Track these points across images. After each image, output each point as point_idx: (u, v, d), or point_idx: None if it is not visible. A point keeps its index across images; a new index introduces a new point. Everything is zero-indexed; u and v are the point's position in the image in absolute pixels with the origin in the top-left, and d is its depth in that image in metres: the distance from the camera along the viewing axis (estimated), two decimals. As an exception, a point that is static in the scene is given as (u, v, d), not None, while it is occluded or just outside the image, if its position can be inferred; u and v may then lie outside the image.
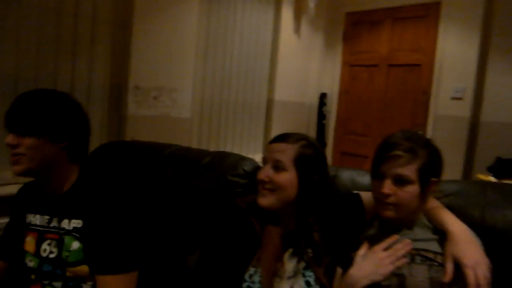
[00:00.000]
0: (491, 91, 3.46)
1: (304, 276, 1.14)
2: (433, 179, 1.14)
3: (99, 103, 2.50)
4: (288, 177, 1.14)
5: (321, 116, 4.38)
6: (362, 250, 1.12)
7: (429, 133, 3.66)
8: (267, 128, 3.79)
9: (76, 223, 1.15)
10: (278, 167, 1.14)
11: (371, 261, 1.07)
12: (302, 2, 3.86)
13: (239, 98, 3.48)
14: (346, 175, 1.46)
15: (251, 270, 1.09)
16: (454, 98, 3.53)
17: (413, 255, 1.09)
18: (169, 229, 1.53)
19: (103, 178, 1.25)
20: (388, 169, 1.10)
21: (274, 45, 3.74)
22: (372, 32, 4.12)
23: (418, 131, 1.16)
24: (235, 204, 1.22)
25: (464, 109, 3.50)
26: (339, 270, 1.21)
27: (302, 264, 1.15)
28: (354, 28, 4.27)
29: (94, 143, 2.28)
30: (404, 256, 1.05)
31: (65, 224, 1.15)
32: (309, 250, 1.17)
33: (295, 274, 1.13)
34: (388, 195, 1.09)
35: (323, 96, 4.38)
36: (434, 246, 1.10)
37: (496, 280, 1.08)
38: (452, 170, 3.36)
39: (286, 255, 1.15)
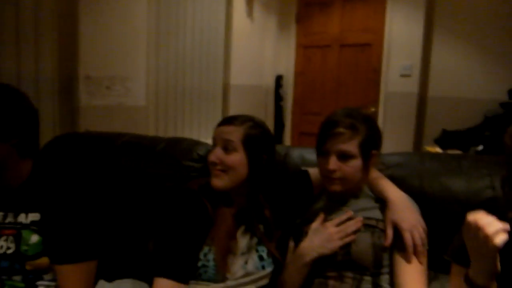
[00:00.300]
0: (436, 68, 3.63)
1: (257, 251, 1.20)
2: (374, 151, 1.21)
3: (49, 95, 2.42)
4: (238, 158, 1.17)
5: (278, 98, 4.44)
6: (316, 224, 1.19)
7: (381, 110, 3.82)
8: (224, 113, 3.81)
9: (34, 216, 1.14)
10: (227, 148, 1.17)
11: (321, 235, 1.15)
12: (253, -15, 3.87)
13: (195, 83, 3.46)
14: (296, 154, 1.52)
15: (205, 249, 1.13)
16: (402, 76, 3.69)
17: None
18: (128, 216, 1.55)
19: (58, 170, 1.24)
20: (332, 146, 1.17)
21: (227, 30, 3.73)
22: (324, 13, 4.19)
23: (370, 108, 1.23)
24: (186, 187, 1.25)
25: (412, 86, 3.67)
26: (291, 244, 1.28)
27: (255, 240, 1.21)
28: (307, 9, 4.32)
29: (47, 136, 2.25)
30: (353, 233, 1.13)
31: (22, 218, 1.14)
32: (261, 226, 1.23)
33: (248, 250, 1.19)
34: (333, 171, 1.16)
35: (279, 78, 4.44)
36: (376, 214, 1.19)
37: (433, 241, 1.18)
38: (403, 143, 3.55)
39: (239, 232, 1.19)
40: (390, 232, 1.13)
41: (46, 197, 1.15)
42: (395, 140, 3.66)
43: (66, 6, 2.44)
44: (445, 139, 3.11)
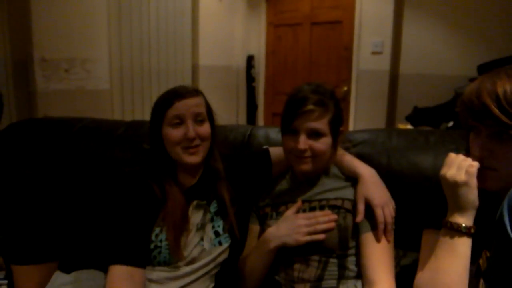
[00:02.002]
0: (407, 45, 3.62)
1: (213, 227, 1.16)
2: (341, 128, 1.18)
3: (3, 80, 2.29)
4: (209, 129, 1.17)
5: (250, 78, 4.37)
6: (289, 211, 1.15)
7: (353, 88, 3.79)
8: (194, 94, 3.70)
9: None
10: (202, 120, 1.15)
11: (290, 225, 1.10)
12: (220, -39, 3.74)
13: (162, 65, 3.34)
14: (261, 133, 1.48)
15: (156, 230, 1.09)
16: (374, 53, 3.66)
17: (323, 206, 1.14)
18: (87, 204, 1.48)
19: (11, 162, 1.15)
20: (301, 124, 1.11)
21: (194, 8, 3.60)
22: (294, -10, 4.10)
23: (344, 86, 1.19)
24: (130, 169, 1.20)
25: (384, 63, 3.65)
26: (254, 227, 1.24)
27: (208, 215, 1.17)
28: (276, -13, 4.22)
29: (3, 123, 2.13)
30: (322, 232, 1.08)
31: None
32: (215, 201, 1.19)
33: (202, 226, 1.15)
34: (304, 150, 1.11)
35: (250, 59, 4.35)
36: (342, 193, 1.15)
37: (401, 219, 1.16)
38: (376, 121, 3.54)
39: (190, 209, 1.15)
40: (361, 207, 1.10)
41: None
42: (368, 118, 3.65)
43: (15, -17, 2.29)
44: (417, 116, 3.12)
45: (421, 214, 1.08)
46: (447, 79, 3.37)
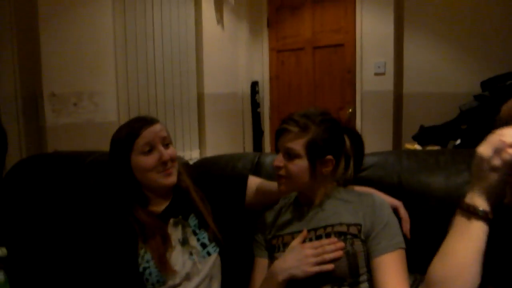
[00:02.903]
0: (409, 64, 3.64)
1: (198, 240, 1.19)
2: (329, 156, 1.15)
3: (13, 115, 2.32)
4: (175, 150, 1.26)
5: (255, 104, 4.39)
6: (295, 241, 1.13)
7: (358, 110, 3.80)
8: (201, 122, 3.73)
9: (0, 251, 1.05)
10: (168, 144, 1.24)
11: (296, 256, 1.08)
12: (221, -8, 3.82)
13: (168, 94, 3.39)
14: (268, 160, 1.48)
15: (141, 252, 1.13)
16: (377, 74, 3.69)
17: (329, 233, 1.12)
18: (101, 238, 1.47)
19: (22, 199, 1.15)
20: (280, 143, 1.15)
21: (198, 38, 3.67)
22: (295, 16, 4.18)
23: (349, 108, 1.22)
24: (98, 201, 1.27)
25: (387, 84, 3.67)
26: (261, 261, 1.22)
27: (189, 229, 1.20)
28: (277, 13, 4.30)
29: (12, 159, 2.15)
30: (330, 262, 1.06)
31: None
32: (192, 215, 1.23)
33: (185, 241, 1.18)
34: (278, 167, 1.13)
35: (254, 85, 4.40)
36: (348, 218, 1.13)
37: (415, 241, 1.16)
38: (382, 142, 3.53)
39: (169, 227, 1.19)
40: (405, 214, 1.19)
41: (11, 231, 1.06)
42: (374, 139, 3.64)
43: (25, 20, 2.35)
44: (423, 135, 3.11)
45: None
46: (451, 96, 3.37)
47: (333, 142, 1.16)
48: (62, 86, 2.47)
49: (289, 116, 1.16)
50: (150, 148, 1.18)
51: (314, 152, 1.12)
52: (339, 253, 1.06)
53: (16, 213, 1.13)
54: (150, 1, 3.20)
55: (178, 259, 1.15)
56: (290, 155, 1.13)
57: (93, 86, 2.66)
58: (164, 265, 1.10)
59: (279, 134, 1.16)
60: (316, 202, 1.18)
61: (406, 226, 1.18)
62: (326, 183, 1.19)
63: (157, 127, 1.21)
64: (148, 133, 1.18)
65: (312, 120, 1.14)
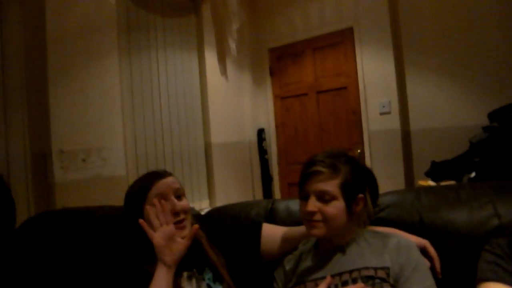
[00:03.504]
0: (414, 101, 3.64)
1: None
2: (360, 195, 1.13)
3: (22, 173, 2.32)
4: (188, 203, 1.25)
5: (262, 151, 4.39)
6: (322, 286, 1.06)
7: (366, 150, 3.77)
8: (209, 172, 3.72)
9: None
10: (181, 196, 1.23)
11: None
12: (223, 44, 3.93)
13: (175, 146, 3.40)
14: (282, 206, 1.44)
15: None
16: (382, 113, 3.69)
17: (355, 278, 1.05)
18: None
19: (31, 258, 1.11)
20: (311, 186, 1.10)
21: (202, 90, 3.74)
22: (296, 63, 4.27)
23: (357, 149, 1.19)
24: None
25: (393, 122, 3.66)
26: None
27: (203, 284, 1.15)
28: (279, 62, 4.40)
29: (21, 216, 2.12)
30: None
31: None
32: (207, 269, 1.19)
33: None
34: (313, 213, 1.08)
35: (261, 132, 4.42)
36: (375, 261, 1.07)
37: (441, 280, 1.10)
38: (394, 181, 3.47)
39: (183, 281, 1.14)
40: (435, 253, 1.13)
41: None
42: (385, 179, 3.58)
43: (34, 79, 2.42)
44: (436, 170, 3.05)
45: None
46: (459, 130, 3.34)
47: (361, 180, 1.15)
48: (70, 143, 2.49)
49: (314, 159, 1.13)
50: (162, 199, 1.17)
51: (348, 192, 1.10)
52: None
53: (26, 272, 1.08)
54: (155, 57, 3.29)
55: None
56: (326, 198, 1.09)
57: (101, 141, 2.67)
58: None
59: (307, 177, 1.11)
60: (342, 245, 1.13)
61: (438, 264, 1.13)
62: (357, 225, 1.15)
63: (169, 179, 1.22)
64: (160, 185, 1.19)
65: (339, 160, 1.12)
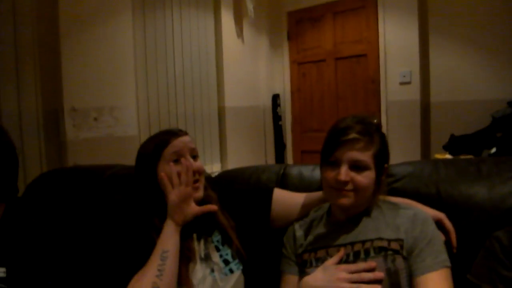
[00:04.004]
0: (436, 72, 3.53)
1: (221, 256, 1.15)
2: (386, 165, 1.10)
3: (34, 130, 2.32)
4: (202, 164, 1.20)
5: (277, 117, 4.33)
6: (330, 261, 1.03)
7: (383, 120, 3.69)
8: (222, 136, 3.69)
9: (1, 271, 0.98)
10: (196, 156, 1.21)
11: (328, 276, 0.99)
12: (240, 5, 3.80)
13: (189, 108, 3.36)
14: (294, 172, 1.40)
15: None
16: (402, 83, 3.57)
17: (368, 249, 1.02)
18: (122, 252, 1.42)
19: (28, 216, 1.10)
20: (343, 154, 1.03)
21: (218, 52, 3.65)
22: (315, 28, 4.12)
23: (374, 119, 1.12)
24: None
25: (413, 93, 3.54)
26: (291, 277, 1.13)
27: (212, 245, 1.15)
28: (297, 26, 4.26)
29: (33, 173, 2.14)
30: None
31: None
32: (216, 232, 1.18)
33: (207, 257, 1.13)
34: (346, 182, 1.02)
35: (275, 97, 4.34)
36: (388, 233, 1.03)
37: (458, 258, 1.06)
38: (410, 153, 3.40)
39: (194, 241, 1.14)
40: (451, 226, 1.10)
41: (11, 248, 1.00)
42: (401, 150, 3.50)
43: (47, 37, 2.37)
44: (455, 144, 2.97)
45: (474, 261, 0.98)
46: (482, 104, 3.24)
47: (387, 149, 1.11)
48: (82, 101, 2.47)
49: (347, 124, 1.06)
50: (178, 158, 1.15)
51: (379, 162, 1.06)
52: (377, 287, 0.95)
53: (36, 226, 1.08)
54: (170, 16, 3.20)
55: (198, 275, 1.09)
56: (360, 167, 1.03)
57: (114, 100, 2.65)
58: (182, 281, 1.06)
59: (340, 144, 1.04)
60: (357, 214, 1.09)
61: (454, 238, 1.09)
62: (377, 195, 1.11)
63: (186, 138, 1.20)
64: (177, 142, 1.17)
65: (371, 129, 1.06)
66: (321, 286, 0.98)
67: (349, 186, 1.03)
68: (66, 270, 1.07)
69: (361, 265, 0.98)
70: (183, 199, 1.08)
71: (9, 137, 1.08)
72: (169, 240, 1.06)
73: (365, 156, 1.03)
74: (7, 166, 1.06)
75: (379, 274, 0.96)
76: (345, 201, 1.04)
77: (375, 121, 1.11)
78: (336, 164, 1.04)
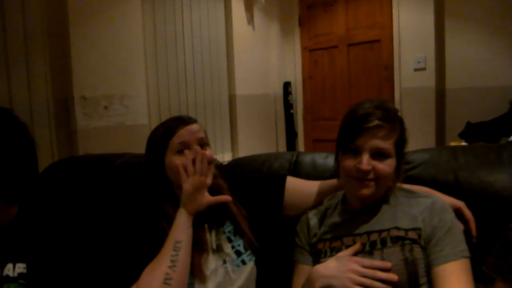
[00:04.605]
0: (452, 58, 3.43)
1: (233, 247, 1.13)
2: (405, 153, 1.06)
3: (45, 119, 2.32)
4: (212, 153, 1.17)
5: (288, 105, 4.28)
6: (346, 252, 0.99)
7: (398, 107, 3.59)
8: (232, 125, 3.66)
9: (21, 267, 0.96)
10: (205, 144, 1.16)
11: (340, 266, 0.95)
12: (251, -9, 3.75)
13: (199, 97, 3.33)
14: (307, 159, 1.37)
15: None
16: (417, 69, 3.49)
17: (384, 238, 0.98)
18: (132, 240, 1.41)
19: (45, 209, 1.08)
20: (366, 142, 0.99)
21: (228, 39, 3.60)
22: (327, 13, 4.04)
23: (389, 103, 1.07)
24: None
25: (428, 79, 3.46)
26: (304, 267, 1.10)
27: (223, 236, 1.13)
28: (309, 11, 4.18)
29: (44, 162, 2.13)
30: None
31: (9, 270, 0.95)
32: (227, 221, 1.16)
33: (219, 248, 1.11)
34: (368, 171, 0.98)
35: (287, 85, 4.28)
36: (406, 222, 0.99)
37: (477, 248, 1.02)
38: (425, 140, 3.33)
39: (205, 232, 1.12)
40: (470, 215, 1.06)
41: (31, 244, 0.98)
42: (415, 139, 3.42)
43: (56, 25, 2.36)
44: (471, 132, 2.89)
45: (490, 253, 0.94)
46: (499, 90, 3.15)
47: (405, 137, 1.06)
48: (92, 90, 2.46)
49: (367, 111, 1.00)
50: (184, 148, 1.12)
51: (400, 150, 1.03)
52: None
53: (51, 219, 1.07)
54: (179, 2, 3.16)
55: (210, 266, 1.07)
56: (382, 155, 1.00)
57: (124, 89, 2.63)
58: (195, 271, 1.04)
59: (361, 131, 0.99)
60: (373, 202, 1.05)
61: (474, 227, 1.05)
62: (395, 183, 1.07)
63: (194, 127, 1.16)
64: (184, 132, 1.13)
65: (392, 114, 1.02)
66: (331, 275, 0.95)
67: (371, 175, 0.99)
68: (82, 262, 1.05)
69: (376, 262, 0.95)
70: (197, 188, 1.06)
71: (30, 134, 1.04)
72: (182, 230, 1.03)
73: (388, 144, 0.99)
74: (28, 165, 1.01)
75: (393, 276, 0.91)
76: (366, 191, 1.00)
77: (392, 106, 1.06)
78: (357, 152, 1.00)
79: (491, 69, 3.24)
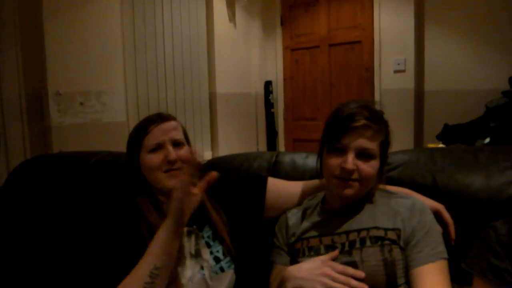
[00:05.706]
0: (431, 61, 3.49)
1: (211, 253, 1.08)
2: (388, 154, 1.06)
3: (17, 115, 2.24)
4: (189, 151, 1.12)
5: (269, 104, 4.27)
6: (324, 256, 0.97)
7: (377, 108, 3.64)
8: (213, 123, 3.62)
9: None
10: (181, 144, 1.13)
11: (313, 269, 0.94)
12: (233, -12, 3.71)
13: (178, 94, 3.28)
14: (287, 159, 1.35)
15: None
16: (396, 71, 3.53)
17: (363, 238, 0.98)
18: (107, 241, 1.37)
19: (11, 207, 1.04)
20: (353, 141, 0.98)
21: (209, 36, 3.56)
22: (309, 13, 4.04)
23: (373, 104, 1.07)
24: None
25: (407, 81, 3.51)
26: (280, 268, 1.09)
27: (202, 241, 1.08)
28: (291, 11, 4.17)
29: (16, 160, 2.07)
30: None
31: None
32: (206, 226, 1.12)
33: (197, 253, 1.06)
34: (352, 171, 0.97)
35: (268, 84, 4.27)
36: (385, 222, 0.99)
37: (454, 248, 1.03)
38: (403, 142, 3.36)
39: (184, 236, 1.06)
40: (450, 218, 1.06)
41: (14, 232, 0.95)
42: (394, 140, 3.46)
43: (29, 17, 2.27)
44: (448, 134, 2.94)
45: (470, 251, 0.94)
46: (476, 93, 3.21)
47: (389, 140, 1.06)
48: (68, 85, 2.39)
49: (353, 110, 0.99)
50: (157, 147, 1.09)
51: (384, 151, 1.03)
52: None
53: (19, 214, 1.02)
54: (159, -2, 3.10)
55: (187, 273, 1.03)
56: (367, 156, 0.99)
57: (101, 85, 2.57)
58: (171, 275, 0.98)
59: (347, 130, 0.98)
60: (352, 202, 1.05)
61: (452, 230, 1.06)
62: (377, 184, 1.07)
63: (169, 124, 1.12)
64: (157, 131, 1.10)
65: (380, 116, 1.02)
66: (303, 277, 0.93)
67: (355, 175, 0.98)
68: (52, 262, 1.02)
69: (350, 270, 0.93)
70: (186, 192, 0.93)
71: None
72: (163, 251, 0.91)
73: (373, 145, 0.99)
74: None
75: (364, 286, 0.90)
76: (349, 191, 0.99)
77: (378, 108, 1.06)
78: (342, 151, 0.99)
79: (468, 72, 3.30)
